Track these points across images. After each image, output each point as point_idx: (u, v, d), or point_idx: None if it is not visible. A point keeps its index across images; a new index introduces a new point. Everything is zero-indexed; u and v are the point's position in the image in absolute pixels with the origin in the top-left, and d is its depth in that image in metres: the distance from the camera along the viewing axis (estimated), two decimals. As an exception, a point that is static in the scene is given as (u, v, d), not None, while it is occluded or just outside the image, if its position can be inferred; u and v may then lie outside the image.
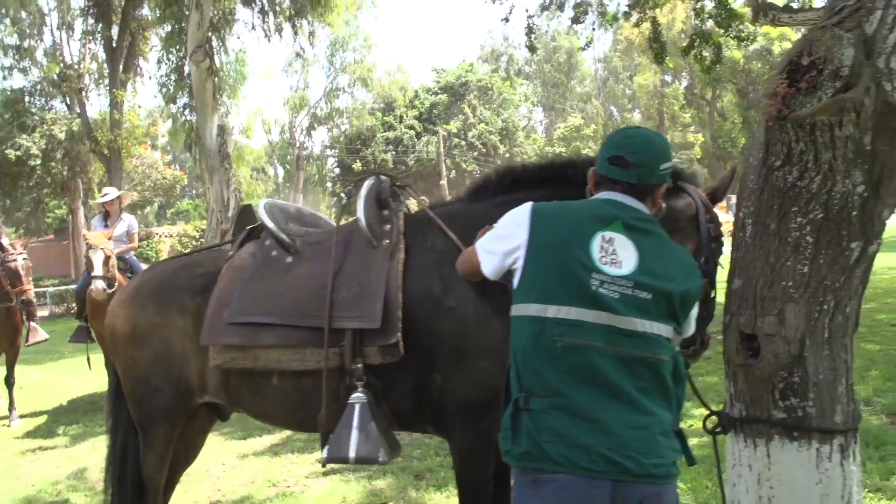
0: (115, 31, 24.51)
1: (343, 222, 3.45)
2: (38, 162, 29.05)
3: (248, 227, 3.63)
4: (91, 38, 26.42)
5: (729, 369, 3.07)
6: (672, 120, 50.08)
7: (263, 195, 43.46)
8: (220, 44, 25.43)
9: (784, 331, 2.84)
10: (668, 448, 2.32)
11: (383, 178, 3.50)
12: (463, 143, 45.39)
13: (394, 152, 45.52)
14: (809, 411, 2.83)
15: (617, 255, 2.34)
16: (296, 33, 22.93)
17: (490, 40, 59.49)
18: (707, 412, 3.04)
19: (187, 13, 19.54)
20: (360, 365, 3.10)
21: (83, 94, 26.60)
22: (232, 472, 6.37)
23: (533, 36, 14.95)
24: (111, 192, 10.13)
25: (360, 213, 3.29)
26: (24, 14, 27.88)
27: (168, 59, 23.85)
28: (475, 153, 45.46)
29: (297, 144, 48.50)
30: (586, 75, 60.84)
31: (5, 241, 9.25)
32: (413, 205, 3.70)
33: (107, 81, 26.42)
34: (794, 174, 2.78)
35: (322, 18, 22.55)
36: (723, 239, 3.14)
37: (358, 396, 3.09)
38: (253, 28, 22.82)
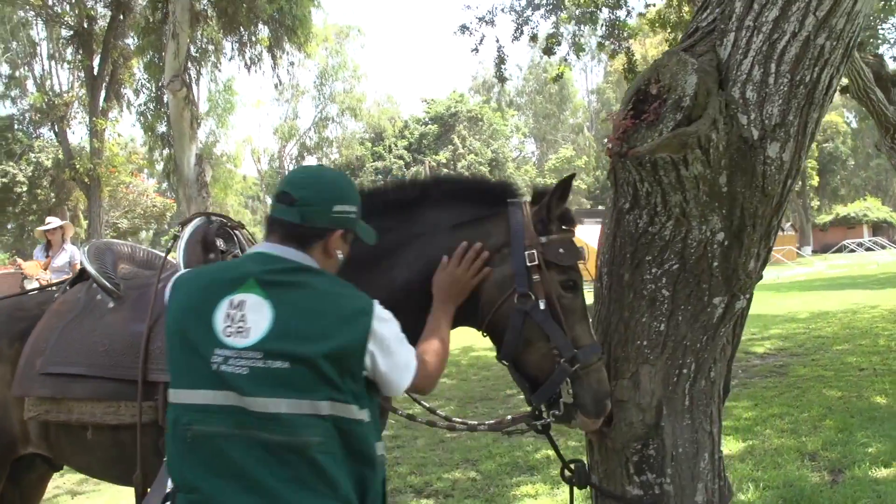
0: (97, 60, 24.44)
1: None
2: (25, 189, 28.95)
3: (80, 268, 3.33)
4: (72, 67, 26.38)
5: (585, 436, 2.71)
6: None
7: (252, 224, 43.21)
8: (211, 73, 25.41)
9: (638, 396, 2.50)
10: None
11: (214, 218, 3.17)
12: (452, 173, 44.97)
13: (383, 182, 45.25)
14: (667, 489, 2.48)
15: (245, 321, 1.96)
16: (275, 63, 22.74)
17: (482, 71, 59.52)
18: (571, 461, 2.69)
19: (166, 42, 19.37)
20: None
21: (65, 122, 26.45)
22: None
23: (504, 66, 14.71)
24: (54, 222, 9.86)
25: (180, 257, 2.96)
26: (14, 44, 27.85)
27: (147, 88, 23.80)
28: (466, 185, 44.78)
29: (286, 174, 48.38)
30: (578, 107, 60.85)
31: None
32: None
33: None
34: (645, 219, 2.45)
35: (302, 49, 22.40)
36: (571, 271, 2.54)
37: None
38: (232, 58, 22.61)
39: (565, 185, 2.49)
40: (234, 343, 1.93)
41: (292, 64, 23.82)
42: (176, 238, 3.07)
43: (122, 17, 23.35)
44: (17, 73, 28.92)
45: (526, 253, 2.47)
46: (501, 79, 15.57)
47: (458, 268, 2.51)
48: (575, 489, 2.67)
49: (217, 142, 42.26)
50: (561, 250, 2.48)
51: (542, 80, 54.39)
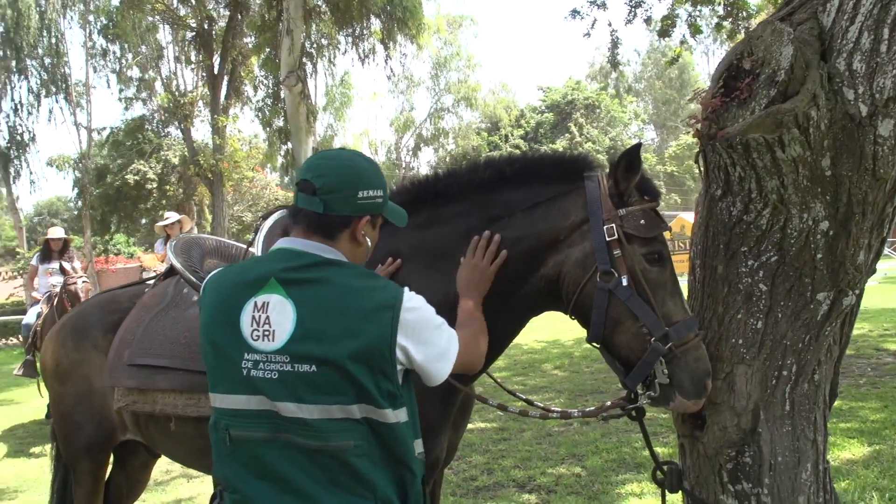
0: (217, 59, 25.37)
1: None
2: (155, 185, 30.39)
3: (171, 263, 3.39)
4: (195, 67, 27.48)
5: (678, 439, 2.53)
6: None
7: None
8: (328, 67, 25.98)
9: (733, 399, 2.30)
10: None
11: (297, 210, 3.15)
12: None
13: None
14: (764, 500, 2.28)
15: (270, 323, 1.89)
16: (388, 56, 22.98)
17: (598, 57, 58.33)
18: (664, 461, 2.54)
19: (280, 39, 19.90)
20: None
21: (189, 120, 27.59)
22: None
23: (617, 51, 14.29)
24: (171, 217, 10.20)
25: (258, 249, 2.94)
26: (144, 48, 29.23)
27: (264, 85, 24.55)
28: (582, 172, 44.08)
29: (403, 165, 48.96)
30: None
31: (67, 265, 9.51)
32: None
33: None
34: (739, 206, 2.25)
35: (414, 40, 22.54)
36: (655, 243, 2.35)
37: None
38: (345, 52, 23.00)
39: (630, 155, 2.31)
40: (262, 347, 1.88)
41: (405, 55, 24.03)
42: (257, 231, 3.06)
43: (239, 16, 24.11)
44: (146, 76, 30.31)
45: (605, 227, 2.32)
46: (615, 64, 15.14)
47: (474, 258, 2.43)
48: (669, 493, 2.51)
49: (335, 135, 43.34)
50: (642, 221, 2.31)
51: (661, 64, 52.84)
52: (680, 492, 2.48)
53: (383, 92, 51.17)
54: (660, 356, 2.22)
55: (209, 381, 1.99)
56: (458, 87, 44.82)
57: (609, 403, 2.52)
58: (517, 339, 10.46)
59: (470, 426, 7.61)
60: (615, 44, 14.42)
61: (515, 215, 2.53)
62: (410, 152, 49.42)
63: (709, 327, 2.38)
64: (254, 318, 1.90)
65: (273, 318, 1.88)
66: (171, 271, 3.42)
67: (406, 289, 1.96)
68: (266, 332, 1.88)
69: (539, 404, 3.00)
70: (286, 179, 39.29)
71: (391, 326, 1.87)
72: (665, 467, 2.49)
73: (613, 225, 2.31)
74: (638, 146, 2.30)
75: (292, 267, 1.94)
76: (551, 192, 2.50)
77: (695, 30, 14.21)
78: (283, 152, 24.77)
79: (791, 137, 2.01)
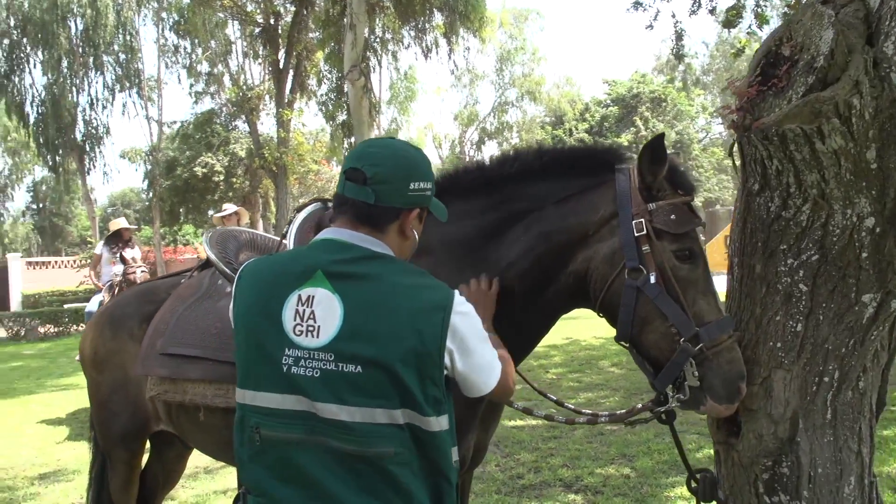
0: (282, 54, 25.73)
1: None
2: (222, 178, 30.99)
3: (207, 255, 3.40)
4: (260, 62, 27.92)
5: (714, 447, 2.41)
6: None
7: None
8: (392, 61, 26.11)
9: (770, 406, 2.17)
10: None
11: (330, 203, 3.12)
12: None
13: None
14: (803, 515, 2.13)
15: (315, 319, 1.78)
16: (451, 50, 22.92)
17: (665, 49, 57.19)
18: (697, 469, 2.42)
19: (344, 34, 20.06)
20: None
21: (255, 114, 28.03)
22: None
23: (682, 43, 13.91)
24: (229, 208, 10.31)
25: (290, 242, 2.91)
26: (213, 43, 29.80)
27: (328, 79, 24.80)
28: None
29: (468, 159, 48.94)
30: (772, 83, 56.91)
31: (128, 255, 9.70)
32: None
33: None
34: (777, 202, 2.11)
35: (476, 34, 22.44)
36: (686, 239, 2.22)
37: None
38: (408, 46, 23.03)
39: (654, 146, 2.19)
40: (305, 343, 1.77)
41: (468, 49, 23.93)
42: (290, 223, 3.03)
43: (304, 11, 24.34)
44: (215, 71, 30.89)
45: (633, 222, 2.21)
46: (679, 56, 14.73)
47: (473, 286, 2.40)
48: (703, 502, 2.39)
49: (399, 129, 43.49)
50: (672, 216, 2.19)
51: (729, 56, 51.62)
52: (712, 503, 2.36)
53: (447, 86, 51.03)
54: (689, 357, 2.11)
55: (239, 375, 1.89)
56: (523, 80, 44.52)
57: (639, 406, 2.42)
58: (575, 335, 10.44)
59: (520, 423, 7.52)
60: (679, 36, 14.04)
61: (545, 209, 2.46)
62: (474, 146, 49.33)
63: (746, 329, 2.25)
64: (297, 311, 1.80)
65: (318, 314, 1.79)
66: (206, 263, 3.42)
67: (457, 291, 1.86)
68: (310, 328, 1.78)
69: (570, 406, 2.92)
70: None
71: (441, 328, 1.77)
72: (699, 475, 2.38)
73: (643, 220, 2.21)
74: (661, 136, 2.18)
75: (340, 260, 1.85)
76: (581, 186, 2.41)
77: (762, 20, 13.73)
78: (346, 146, 25.00)
79: (831, 128, 1.88)
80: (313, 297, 1.80)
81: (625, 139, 42.69)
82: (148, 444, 3.63)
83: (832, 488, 2.12)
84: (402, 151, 1.96)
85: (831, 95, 1.85)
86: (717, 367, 2.10)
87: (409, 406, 1.75)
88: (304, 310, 1.80)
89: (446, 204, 2.63)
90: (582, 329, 14.50)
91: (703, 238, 2.34)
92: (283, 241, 2.98)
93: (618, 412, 2.59)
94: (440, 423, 1.80)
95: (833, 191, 1.99)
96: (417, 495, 1.78)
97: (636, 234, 2.21)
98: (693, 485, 2.39)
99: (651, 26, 14.13)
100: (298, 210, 3.04)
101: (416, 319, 1.76)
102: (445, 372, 1.81)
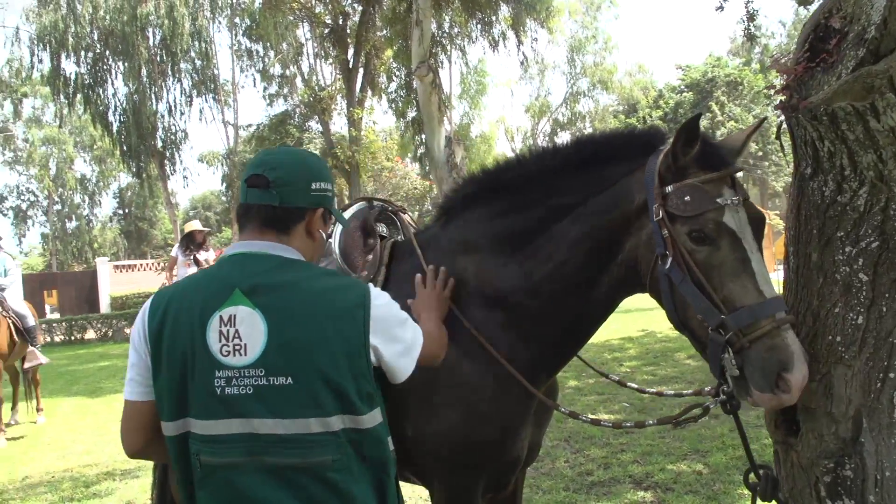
0: (351, 53, 25.97)
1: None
2: (297, 177, 31.51)
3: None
4: (330, 62, 28.21)
5: (773, 444, 2.29)
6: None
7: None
8: (461, 56, 26.08)
9: (830, 404, 2.03)
10: None
11: (375, 203, 3.08)
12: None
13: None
14: (869, 520, 1.99)
15: (240, 337, 1.79)
16: (519, 41, 22.74)
17: (740, 31, 55.55)
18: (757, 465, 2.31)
19: (411, 30, 20.13)
20: None
21: (326, 114, 28.36)
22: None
23: (753, 24, 13.48)
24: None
25: (335, 243, 2.89)
26: (284, 46, 30.29)
27: (396, 76, 24.88)
28: (724, 152, 42.27)
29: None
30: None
31: (201, 256, 9.92)
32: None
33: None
34: (831, 185, 1.97)
35: (544, 24, 22.21)
36: (700, 220, 2.10)
37: None
38: (476, 40, 22.92)
39: (689, 128, 2.11)
40: (233, 363, 1.79)
41: (536, 40, 23.71)
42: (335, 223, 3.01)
43: (372, 10, 24.49)
44: (287, 73, 31.41)
45: (653, 207, 2.15)
46: (751, 37, 14.33)
47: (427, 288, 2.45)
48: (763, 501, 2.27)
49: (471, 123, 43.45)
50: (686, 198, 2.10)
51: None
52: (772, 502, 2.23)
53: (517, 78, 50.71)
54: (719, 346, 2.01)
55: (169, 405, 1.87)
56: (594, 70, 43.92)
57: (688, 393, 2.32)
58: (651, 327, 10.29)
59: (592, 418, 7.35)
60: (752, 16, 13.62)
61: (588, 202, 2.40)
62: (547, 138, 48.87)
63: (803, 323, 2.11)
64: (221, 332, 1.81)
65: (242, 331, 1.81)
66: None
67: (371, 285, 1.92)
68: (237, 347, 1.80)
69: (652, 390, 3.00)
70: (426, 168, 39.95)
71: (364, 325, 1.83)
72: (761, 471, 2.26)
73: (657, 204, 2.14)
74: (697, 117, 2.09)
75: (254, 272, 1.87)
76: (622, 172, 2.35)
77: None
78: (417, 142, 25.09)
79: (886, 104, 1.73)
80: (234, 315, 1.82)
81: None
82: None
83: (901, 492, 1.97)
84: (299, 155, 2.05)
85: (885, 68, 1.70)
86: (755, 356, 1.97)
87: (345, 410, 1.80)
88: (228, 329, 1.82)
89: (490, 199, 2.61)
90: (658, 321, 14.22)
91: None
92: (329, 240, 2.96)
93: (667, 416, 2.54)
94: (374, 417, 1.84)
95: (892, 172, 1.84)
96: (358, 496, 1.82)
97: (655, 219, 2.15)
98: (752, 480, 2.28)
99: (721, 7, 13.79)
100: (344, 209, 3.02)
101: (337, 322, 1.81)
102: (374, 365, 1.86)
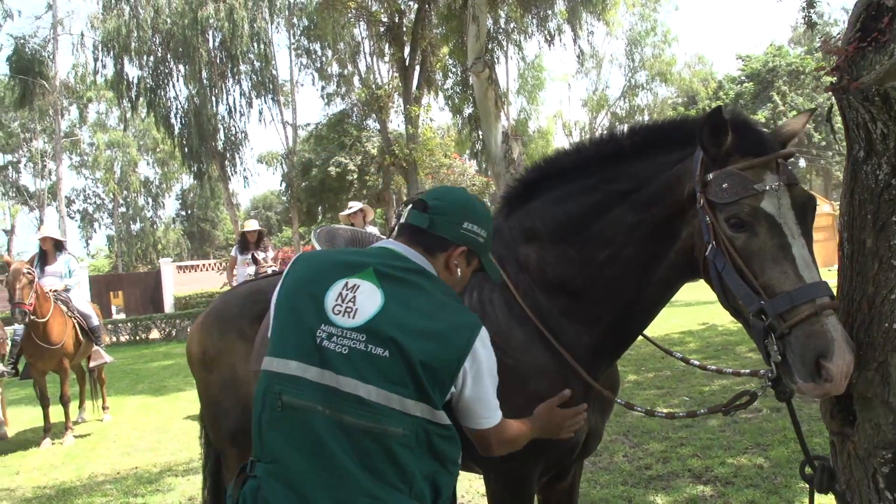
0: (407, 51, 26.07)
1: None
2: (355, 176, 31.78)
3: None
4: (387, 60, 28.39)
5: (829, 436, 2.24)
6: None
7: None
8: (518, 51, 26.01)
9: (888, 393, 1.99)
10: None
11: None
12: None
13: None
14: (929, 512, 1.94)
15: (355, 302, 1.92)
16: (576, 35, 22.58)
17: (802, 22, 54.11)
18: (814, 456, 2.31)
19: (467, 26, 20.14)
20: None
21: (384, 112, 28.55)
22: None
23: (812, 10, 13.14)
24: (354, 206, 10.51)
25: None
26: (342, 45, 30.58)
27: (453, 73, 24.91)
28: (789, 144, 41.22)
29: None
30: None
31: (259, 255, 10.07)
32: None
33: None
34: (885, 169, 1.93)
35: (600, 17, 22.00)
36: (738, 206, 2.10)
37: None
38: (531, 35, 22.83)
39: (713, 119, 2.11)
40: (341, 322, 1.91)
41: (592, 33, 23.51)
42: (398, 218, 3.05)
43: (427, 7, 24.57)
44: (345, 72, 31.69)
45: (696, 195, 2.19)
46: (811, 24, 13.98)
47: (555, 417, 2.38)
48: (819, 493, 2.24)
49: (528, 118, 43.24)
50: (724, 185, 2.11)
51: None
52: (828, 494, 2.20)
53: (574, 72, 50.24)
54: (762, 333, 2.02)
55: (271, 345, 2.01)
56: (653, 62, 43.24)
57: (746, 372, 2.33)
58: (713, 321, 10.16)
59: (647, 409, 7.27)
60: (811, 3, 13.28)
61: (642, 189, 2.44)
62: (605, 132, 48.33)
63: (858, 310, 2.07)
64: (340, 294, 1.95)
65: (359, 299, 1.93)
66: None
67: (483, 326, 1.99)
68: (349, 310, 1.92)
69: (712, 367, 3.00)
70: (483, 166, 40.09)
71: (466, 345, 1.90)
72: (817, 462, 2.23)
73: (698, 192, 2.18)
74: (719, 109, 2.09)
75: (392, 265, 2.01)
76: (675, 160, 2.37)
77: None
78: (474, 138, 25.11)
79: (941, 84, 1.69)
80: (359, 286, 1.96)
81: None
82: None
83: (962, 483, 1.92)
84: (465, 195, 2.19)
85: (938, 47, 1.66)
86: (795, 343, 1.96)
87: (424, 400, 1.87)
88: (347, 294, 1.95)
89: (550, 187, 2.65)
90: (720, 314, 13.97)
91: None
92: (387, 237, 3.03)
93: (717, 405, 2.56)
94: (446, 417, 1.92)
95: (947, 153, 1.79)
96: (416, 480, 1.88)
97: (698, 206, 2.18)
98: (808, 471, 2.25)
99: (781, -5, 13.44)
100: (406, 205, 3.07)
101: (447, 329, 1.90)
102: (453, 391, 1.94)
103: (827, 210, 24.63)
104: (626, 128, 2.60)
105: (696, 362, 3.01)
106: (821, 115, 42.59)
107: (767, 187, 2.07)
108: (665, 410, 2.73)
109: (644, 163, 2.46)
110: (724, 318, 12.91)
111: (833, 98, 1.97)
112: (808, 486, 2.28)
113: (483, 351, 1.93)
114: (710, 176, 2.15)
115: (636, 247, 2.45)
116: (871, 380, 2.01)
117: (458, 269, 2.12)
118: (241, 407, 3.42)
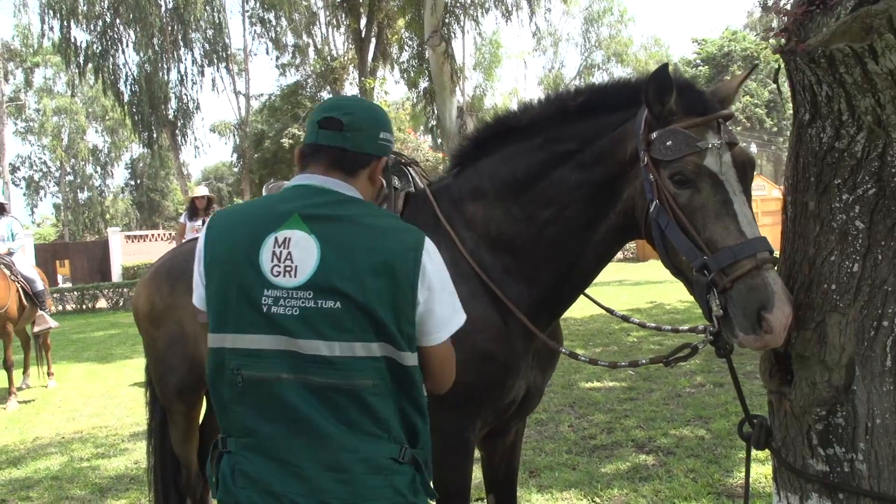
0: (363, 22, 25.82)
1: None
2: (309, 149, 31.45)
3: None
4: (342, 31, 28.06)
5: (767, 395, 2.29)
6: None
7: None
8: (475, 26, 25.87)
9: (824, 352, 2.03)
10: (387, 488, 1.83)
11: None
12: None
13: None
14: (859, 467, 2.00)
15: (292, 259, 1.82)
16: (532, 12, 22.58)
17: (758, 6, 54.89)
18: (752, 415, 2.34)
19: (425, -1, 20.00)
20: None
21: (339, 84, 28.27)
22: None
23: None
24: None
25: None
26: (297, 15, 30.10)
27: (409, 46, 24.76)
28: (739, 128, 41.91)
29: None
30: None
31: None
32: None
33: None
34: (829, 131, 1.96)
35: (558, -6, 22.03)
36: (680, 163, 2.15)
37: None
38: (488, 10, 22.77)
39: (658, 77, 2.16)
40: (283, 283, 1.82)
41: (549, 10, 23.53)
42: None
43: (385, -22, 24.36)
44: (300, 42, 31.25)
45: (640, 153, 2.23)
46: (766, 8, 14.19)
47: None
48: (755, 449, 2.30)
49: (484, 95, 43.20)
50: (668, 143, 2.17)
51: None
52: (765, 451, 2.25)
53: (531, 50, 50.27)
54: (702, 287, 2.07)
55: (213, 320, 1.91)
56: (609, 42, 43.56)
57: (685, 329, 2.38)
58: (660, 299, 10.52)
59: (597, 384, 7.43)
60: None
61: (586, 150, 2.48)
62: (552, 93, 48.63)
63: (799, 272, 2.11)
64: (274, 253, 1.84)
65: (295, 254, 1.83)
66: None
67: (426, 235, 1.93)
68: (288, 268, 1.83)
69: (651, 325, 3.19)
70: (439, 141, 39.98)
71: (414, 267, 1.83)
72: (755, 420, 2.28)
73: (642, 150, 2.21)
74: (665, 66, 2.15)
75: (315, 203, 1.90)
76: (617, 121, 2.42)
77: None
78: (429, 113, 25.00)
79: (885, 45, 1.71)
80: (290, 238, 1.85)
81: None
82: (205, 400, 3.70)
83: (891, 440, 1.97)
84: (369, 104, 2.09)
85: (884, 8, 1.68)
86: (737, 296, 2.02)
87: (386, 340, 1.81)
88: (281, 251, 1.85)
89: (498, 146, 2.66)
90: (667, 293, 14.23)
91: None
92: None
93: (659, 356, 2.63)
94: (413, 358, 1.87)
95: (890, 116, 1.82)
96: (394, 425, 1.86)
97: (642, 165, 2.22)
98: (746, 430, 2.30)
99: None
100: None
101: (390, 258, 1.83)
102: (418, 309, 1.86)
103: (776, 195, 25.08)
104: (572, 88, 2.63)
105: (636, 320, 3.09)
106: (774, 104, 43.34)
107: (710, 145, 2.13)
108: (608, 361, 2.78)
109: (588, 123, 2.49)
110: (671, 298, 13.13)
111: (781, 60, 1.99)
112: (746, 452, 2.34)
113: (431, 265, 1.87)
114: (654, 134, 2.20)
115: (578, 207, 2.49)
116: (809, 339, 2.05)
117: (380, 178, 2.06)
118: (188, 362, 3.44)
